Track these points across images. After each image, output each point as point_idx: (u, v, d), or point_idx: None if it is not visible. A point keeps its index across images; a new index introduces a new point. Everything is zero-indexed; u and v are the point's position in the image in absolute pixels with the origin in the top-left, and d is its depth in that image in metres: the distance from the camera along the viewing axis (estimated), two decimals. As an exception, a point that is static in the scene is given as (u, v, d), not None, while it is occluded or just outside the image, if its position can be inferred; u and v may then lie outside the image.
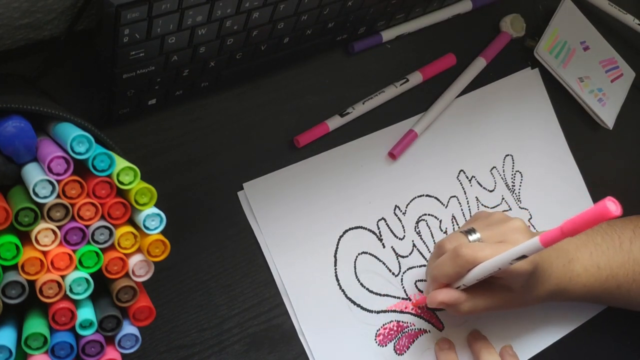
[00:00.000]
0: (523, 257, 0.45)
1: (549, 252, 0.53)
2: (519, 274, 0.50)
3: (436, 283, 0.52)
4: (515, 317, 0.62)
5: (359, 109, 0.60)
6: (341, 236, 0.58)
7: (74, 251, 0.36)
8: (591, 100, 0.71)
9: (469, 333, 0.60)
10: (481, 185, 0.65)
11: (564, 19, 0.72)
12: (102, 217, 0.37)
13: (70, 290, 0.36)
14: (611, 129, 0.72)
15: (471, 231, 0.53)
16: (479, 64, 0.67)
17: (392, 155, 0.61)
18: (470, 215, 0.64)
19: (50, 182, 0.34)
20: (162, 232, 0.37)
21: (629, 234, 0.60)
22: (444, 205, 0.63)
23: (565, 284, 0.55)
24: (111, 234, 0.37)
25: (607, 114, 0.72)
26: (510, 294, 0.53)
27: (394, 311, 0.58)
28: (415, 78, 0.64)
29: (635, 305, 0.61)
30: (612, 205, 0.38)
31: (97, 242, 0.37)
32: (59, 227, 0.35)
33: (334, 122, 0.59)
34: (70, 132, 0.35)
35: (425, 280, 0.60)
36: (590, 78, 0.72)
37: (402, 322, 0.59)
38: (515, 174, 0.67)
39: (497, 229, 0.52)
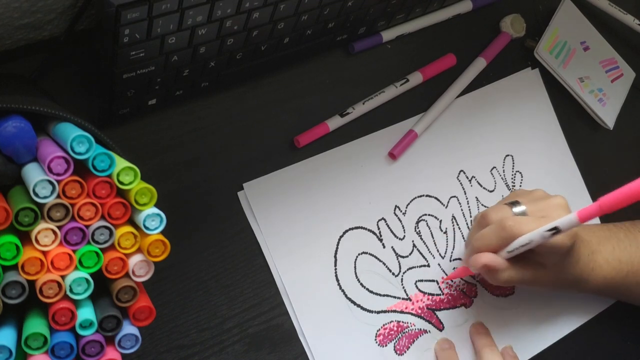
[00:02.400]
0: (557, 231, 0.47)
1: (578, 241, 0.53)
2: (557, 248, 0.51)
3: (477, 253, 0.53)
4: (516, 316, 0.62)
5: (359, 109, 0.60)
6: (341, 236, 0.58)
7: (74, 251, 0.36)
8: (591, 101, 0.71)
9: (472, 325, 0.60)
10: (481, 186, 0.65)
11: (564, 19, 0.72)
12: (102, 217, 0.37)
13: (70, 290, 0.36)
14: (611, 129, 0.72)
15: (516, 203, 0.54)
16: (479, 64, 0.67)
17: (392, 156, 0.61)
18: (471, 216, 0.64)
19: (51, 182, 0.34)
20: (162, 232, 0.37)
21: None
22: (444, 205, 0.63)
23: (587, 273, 0.56)
24: (111, 234, 0.37)
25: (608, 114, 0.72)
26: (543, 270, 0.54)
27: (394, 311, 0.58)
28: (416, 78, 0.64)
29: None
30: None
31: (97, 242, 0.37)
32: (59, 227, 0.35)
33: (334, 122, 0.59)
34: (70, 132, 0.35)
35: (425, 281, 0.60)
36: (590, 78, 0.72)
37: (402, 322, 0.59)
38: (515, 174, 0.67)
39: (541, 204, 0.54)
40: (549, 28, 0.70)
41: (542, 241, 0.49)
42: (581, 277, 0.56)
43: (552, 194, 0.55)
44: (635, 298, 0.61)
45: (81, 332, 0.36)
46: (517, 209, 0.53)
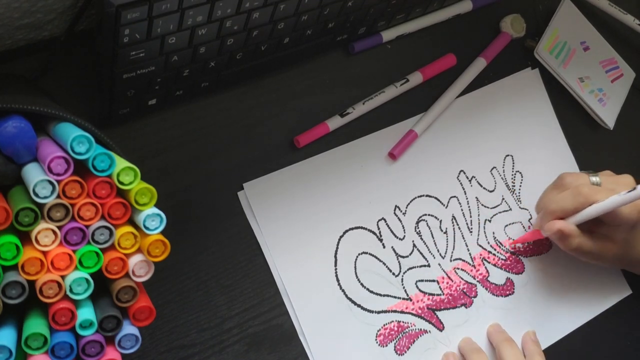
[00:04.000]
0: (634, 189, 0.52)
1: None
2: (625, 220, 0.55)
3: (551, 215, 0.57)
4: (516, 316, 0.62)
5: (359, 109, 0.60)
6: (341, 236, 0.58)
7: (74, 251, 0.36)
8: (592, 101, 0.71)
9: (489, 325, 0.60)
10: (481, 186, 0.65)
11: (564, 19, 0.72)
12: (102, 217, 0.37)
13: (70, 290, 0.36)
14: (611, 129, 0.72)
15: (592, 173, 0.59)
16: (479, 64, 0.67)
17: (392, 156, 0.61)
18: (471, 216, 0.64)
19: (51, 182, 0.34)
20: (162, 232, 0.37)
21: None
22: (444, 205, 0.63)
23: None
24: (111, 234, 0.37)
25: (608, 114, 0.72)
26: (611, 244, 0.58)
27: (395, 311, 0.58)
28: (416, 78, 0.64)
29: None
30: None
31: (97, 242, 0.37)
32: (59, 227, 0.35)
33: (334, 123, 0.59)
34: (70, 132, 0.35)
35: (426, 281, 0.60)
36: (590, 78, 0.72)
37: (403, 322, 0.59)
38: (515, 174, 0.67)
39: (612, 178, 0.59)
40: (549, 28, 0.70)
41: (615, 206, 0.53)
42: None
43: (621, 175, 0.60)
44: None
45: (81, 332, 0.36)
46: (593, 179, 0.59)
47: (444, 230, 0.62)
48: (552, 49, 0.70)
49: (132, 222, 0.38)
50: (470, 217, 0.64)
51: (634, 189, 0.52)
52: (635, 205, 0.55)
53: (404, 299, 0.59)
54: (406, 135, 0.62)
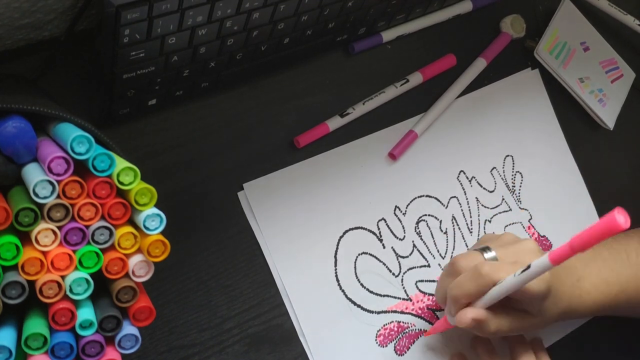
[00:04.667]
0: (527, 268, 0.45)
1: (559, 272, 0.52)
2: (535, 296, 0.50)
3: (457, 303, 0.51)
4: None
5: (359, 110, 0.60)
6: (341, 237, 0.58)
7: (74, 251, 0.36)
8: (592, 101, 0.71)
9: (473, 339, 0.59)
10: (481, 186, 0.65)
11: (564, 20, 0.72)
12: (102, 218, 0.37)
13: (70, 290, 0.36)
14: (612, 129, 0.72)
15: (486, 249, 0.53)
16: (479, 65, 0.67)
17: (393, 156, 0.61)
18: (471, 216, 0.64)
19: (51, 183, 0.34)
20: (162, 232, 0.37)
21: (634, 246, 0.59)
22: (444, 205, 0.63)
23: (575, 303, 0.55)
24: (111, 234, 0.37)
25: (608, 114, 0.72)
26: (529, 316, 0.52)
27: (395, 312, 0.58)
28: (416, 78, 0.64)
29: None
30: (620, 218, 0.37)
31: (97, 243, 0.37)
32: (59, 228, 0.35)
33: (334, 123, 0.59)
34: (70, 132, 0.35)
35: (426, 281, 0.60)
36: (590, 78, 0.72)
37: (403, 322, 0.59)
38: (515, 174, 0.67)
39: (511, 248, 0.53)
40: (548, 28, 0.70)
41: (519, 285, 0.47)
42: (569, 308, 0.54)
43: (522, 238, 0.55)
44: (629, 313, 0.60)
45: (81, 333, 0.36)
46: (488, 255, 0.52)
47: (444, 231, 0.62)
48: (552, 49, 0.70)
49: (132, 222, 0.38)
50: (471, 217, 0.64)
51: (528, 267, 0.45)
52: (541, 278, 0.48)
53: (404, 299, 0.59)
54: (406, 136, 0.62)
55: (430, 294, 0.60)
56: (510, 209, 0.66)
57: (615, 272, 0.57)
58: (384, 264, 0.59)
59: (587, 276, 0.56)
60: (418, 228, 0.61)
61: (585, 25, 0.74)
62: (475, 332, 0.52)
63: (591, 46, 0.73)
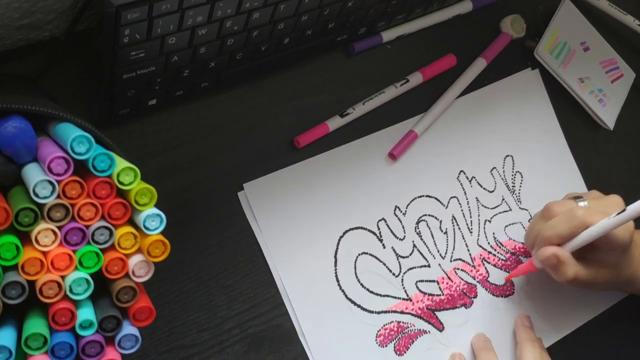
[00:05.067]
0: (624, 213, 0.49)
1: (638, 237, 0.56)
2: (619, 243, 0.53)
3: (546, 242, 0.55)
4: (510, 319, 0.62)
5: (359, 110, 0.60)
6: (341, 237, 0.58)
7: (74, 251, 0.36)
8: (592, 101, 0.71)
9: (517, 316, 0.61)
10: (481, 186, 0.65)
11: (564, 20, 0.72)
12: (102, 218, 0.37)
13: (70, 290, 0.36)
14: (612, 129, 0.72)
15: (579, 198, 0.57)
16: (479, 65, 0.67)
17: (393, 156, 0.61)
18: (471, 216, 0.64)
19: (51, 183, 0.34)
20: (162, 232, 0.37)
21: None
22: (444, 205, 0.63)
23: (639, 273, 0.58)
24: (111, 234, 0.37)
25: (608, 114, 0.72)
26: (604, 270, 0.55)
27: (394, 312, 0.58)
28: (416, 79, 0.64)
29: None
30: None
31: (97, 243, 0.37)
32: (59, 228, 0.35)
33: (334, 123, 0.59)
34: (70, 132, 0.35)
35: (426, 281, 0.60)
36: (590, 79, 0.72)
37: (403, 322, 0.59)
38: (515, 174, 0.67)
39: (601, 200, 0.57)
40: (549, 28, 0.70)
41: (611, 229, 0.51)
42: (634, 276, 0.57)
43: (609, 195, 0.58)
44: None
45: (81, 333, 0.36)
46: (581, 204, 0.56)
47: (444, 231, 0.62)
48: (552, 49, 0.70)
49: (132, 222, 0.38)
50: (470, 217, 0.64)
51: (624, 210, 0.50)
52: (627, 227, 0.52)
53: (403, 299, 0.59)
54: (406, 136, 0.62)
55: (430, 294, 0.60)
56: (510, 209, 0.66)
57: None
58: (384, 264, 0.59)
59: None
60: (418, 228, 0.61)
61: (585, 25, 0.74)
62: (554, 275, 0.55)
63: (591, 46, 0.73)
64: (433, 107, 0.64)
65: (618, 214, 0.50)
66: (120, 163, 0.36)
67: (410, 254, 0.61)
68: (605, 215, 0.52)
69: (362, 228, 0.59)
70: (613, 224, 0.51)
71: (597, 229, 0.52)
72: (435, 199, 0.63)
